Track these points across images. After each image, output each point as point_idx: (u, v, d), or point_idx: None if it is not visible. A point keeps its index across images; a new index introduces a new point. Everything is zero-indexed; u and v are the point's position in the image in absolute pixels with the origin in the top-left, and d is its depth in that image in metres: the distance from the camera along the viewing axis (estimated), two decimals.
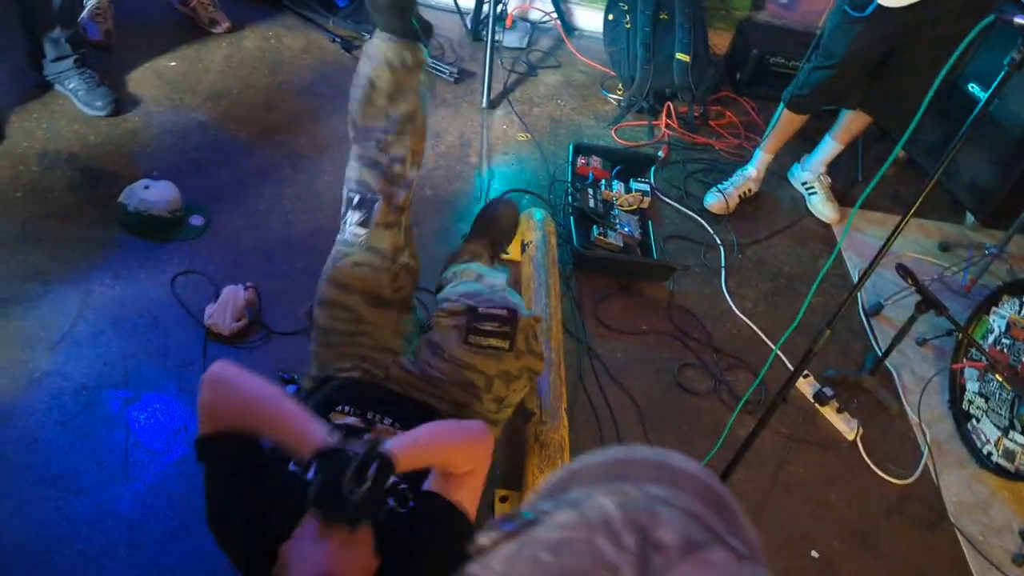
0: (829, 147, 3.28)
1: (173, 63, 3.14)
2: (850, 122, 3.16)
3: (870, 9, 2.64)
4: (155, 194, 2.42)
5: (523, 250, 2.58)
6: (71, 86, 2.77)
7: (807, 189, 3.40)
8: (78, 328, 2.15)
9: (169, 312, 2.26)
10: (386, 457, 1.32)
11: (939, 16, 2.60)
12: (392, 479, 1.35)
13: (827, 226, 3.33)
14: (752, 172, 3.25)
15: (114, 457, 1.93)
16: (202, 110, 2.95)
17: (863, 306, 3.00)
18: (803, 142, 3.39)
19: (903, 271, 2.50)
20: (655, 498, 0.54)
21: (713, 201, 3.19)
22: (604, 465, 0.62)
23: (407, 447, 1.41)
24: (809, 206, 3.38)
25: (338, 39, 3.50)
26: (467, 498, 1.57)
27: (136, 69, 3.05)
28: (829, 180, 3.38)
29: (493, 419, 1.85)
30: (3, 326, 2.12)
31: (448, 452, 1.56)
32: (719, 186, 3.23)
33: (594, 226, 2.84)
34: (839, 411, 2.55)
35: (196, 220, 2.52)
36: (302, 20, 3.57)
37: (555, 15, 4.02)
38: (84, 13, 3.02)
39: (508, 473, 2.11)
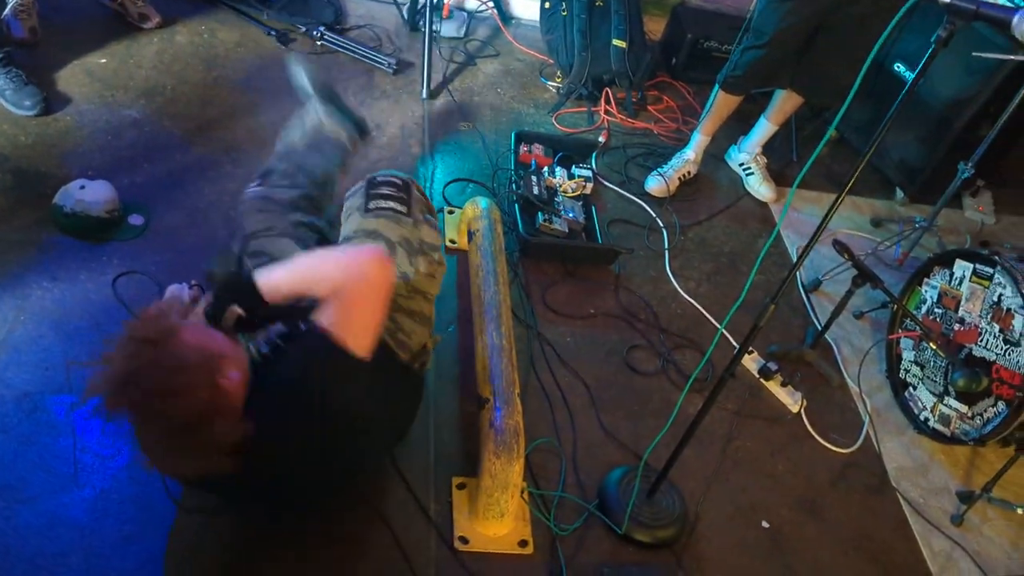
0: (764, 128, 3.36)
1: (103, 60, 3.06)
2: (783, 103, 3.24)
3: None
4: (91, 194, 2.36)
5: (470, 238, 2.59)
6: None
7: (744, 170, 3.48)
8: (16, 333, 2.09)
9: (111, 314, 2.21)
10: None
11: None
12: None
13: (764, 205, 3.42)
14: (691, 155, 3.32)
15: (62, 464, 1.88)
16: (136, 107, 2.89)
17: (802, 282, 3.09)
18: (739, 124, 3.47)
19: (840, 247, 2.58)
20: None
21: (654, 185, 3.24)
22: None
23: (274, 269, 1.62)
24: (747, 186, 3.46)
25: (273, 32, 3.44)
26: (354, 326, 1.54)
27: (65, 67, 2.96)
28: (765, 160, 3.46)
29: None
30: None
31: (323, 272, 1.59)
32: (659, 169, 3.28)
33: (539, 213, 2.86)
34: (783, 385, 2.63)
35: (135, 219, 2.46)
36: (236, 14, 3.50)
37: (491, 4, 4.02)
38: (7, 11, 2.91)
39: (464, 460, 2.13)
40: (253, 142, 2.89)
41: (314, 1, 3.65)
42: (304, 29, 3.49)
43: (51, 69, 2.93)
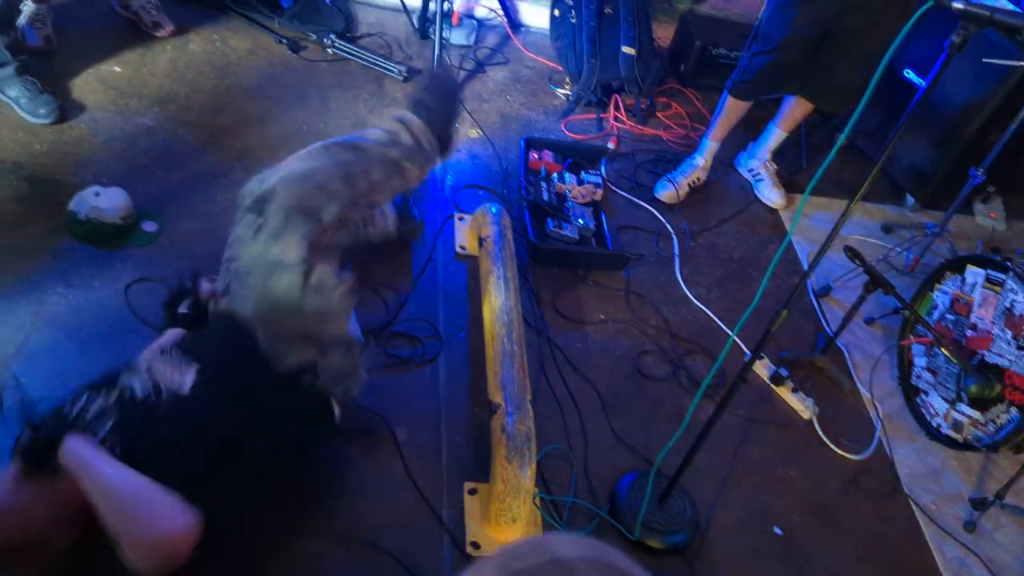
0: (773, 135, 3.37)
1: (117, 68, 3.08)
2: (792, 109, 3.25)
3: None
4: (106, 201, 2.38)
5: (480, 245, 2.60)
6: (12, 94, 2.70)
7: (754, 176, 3.48)
8: (32, 340, 2.11)
9: (125, 321, 2.22)
10: None
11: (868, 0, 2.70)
12: None
13: (774, 211, 3.42)
14: (700, 161, 3.32)
15: None
16: (149, 115, 2.91)
17: (812, 288, 3.09)
18: (748, 131, 3.48)
19: (851, 253, 2.58)
20: None
21: (664, 191, 3.25)
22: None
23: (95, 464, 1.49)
24: (756, 192, 3.46)
25: (284, 40, 3.47)
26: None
27: (79, 75, 2.99)
28: (775, 167, 3.47)
29: None
30: None
31: (123, 513, 1.45)
32: (669, 176, 3.29)
33: (549, 219, 2.87)
34: (794, 391, 2.63)
35: (149, 226, 2.48)
36: (247, 22, 3.53)
37: (501, 12, 4.04)
38: (22, 19, 2.95)
39: (476, 465, 2.13)
40: (265, 149, 2.91)
41: (325, 9, 3.67)
42: (315, 37, 3.51)
43: (66, 77, 2.95)
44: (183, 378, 1.69)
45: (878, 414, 2.67)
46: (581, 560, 0.58)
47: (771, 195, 3.42)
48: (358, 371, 1.99)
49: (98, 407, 1.61)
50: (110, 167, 2.65)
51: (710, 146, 3.32)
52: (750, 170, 3.50)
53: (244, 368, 1.78)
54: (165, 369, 1.70)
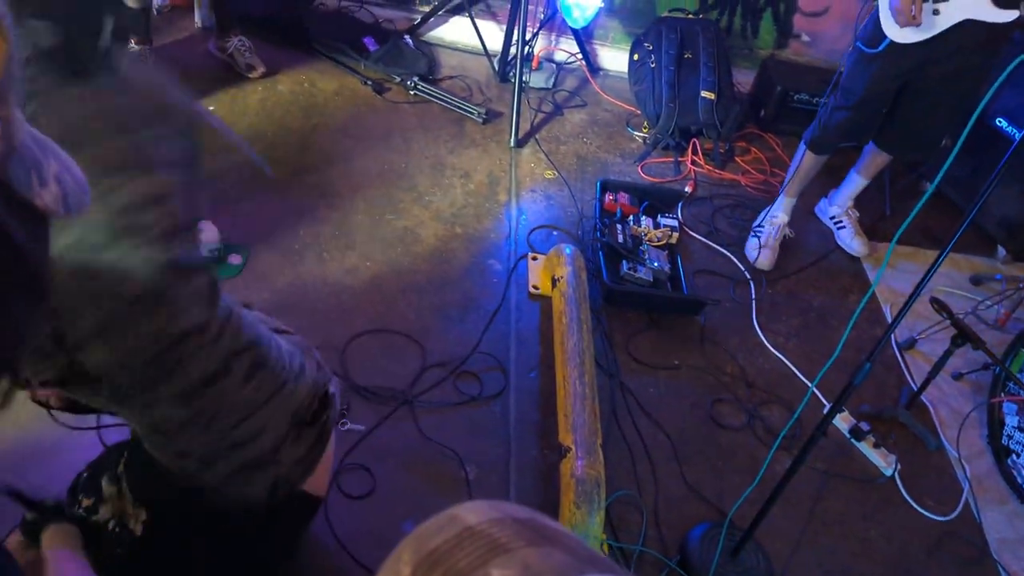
0: (855, 182, 3.29)
1: (211, 107, 3.23)
2: (873, 157, 3.17)
3: (883, 45, 2.69)
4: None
5: (553, 285, 2.60)
6: None
7: (835, 223, 3.40)
8: None
9: None
10: None
11: (952, 50, 2.64)
12: None
13: (855, 259, 3.33)
14: (783, 217, 3.22)
15: None
16: (238, 152, 3.03)
17: (895, 340, 2.99)
18: (830, 178, 3.41)
19: (938, 305, 2.49)
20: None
21: (763, 258, 3.14)
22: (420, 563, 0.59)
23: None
24: (838, 240, 3.38)
25: (369, 82, 3.58)
26: None
27: None
28: (857, 214, 3.38)
29: None
30: None
31: None
32: (758, 239, 3.19)
33: (623, 261, 2.86)
34: (875, 446, 2.53)
35: (234, 259, 2.57)
36: (334, 64, 3.66)
37: (580, 56, 4.08)
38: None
39: (544, 509, 2.11)
40: (347, 186, 2.99)
41: (409, 53, 3.78)
42: (399, 79, 3.62)
43: None
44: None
45: (966, 474, 2.55)
46: (490, 523, 0.57)
47: (853, 243, 3.33)
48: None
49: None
50: None
51: (787, 202, 3.24)
52: (831, 217, 3.42)
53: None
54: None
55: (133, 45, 3.19)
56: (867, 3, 2.81)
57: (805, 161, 3.12)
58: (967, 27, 2.56)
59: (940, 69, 2.71)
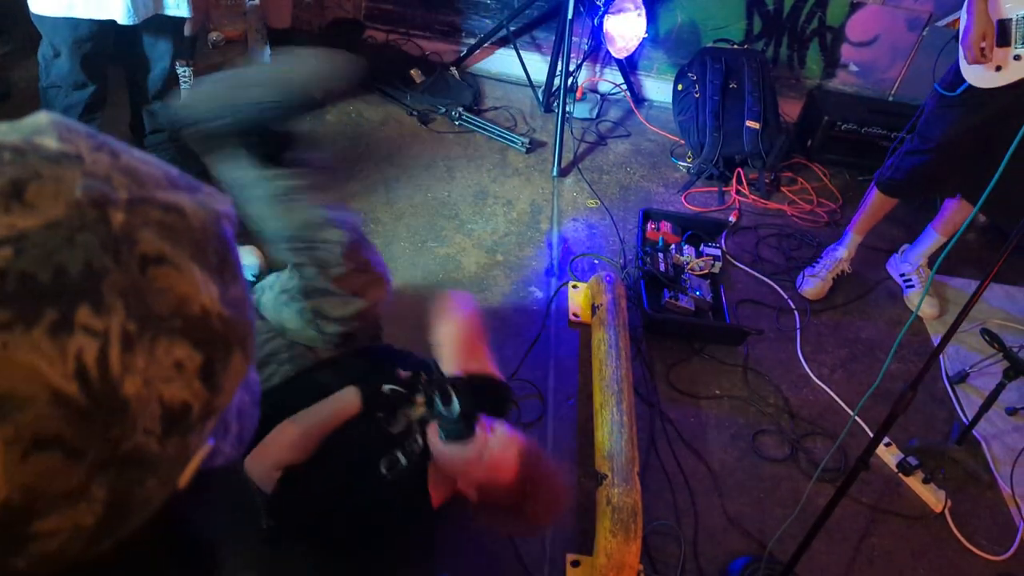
0: (931, 239, 3.13)
1: None
2: (954, 213, 3.02)
3: (961, 89, 2.60)
4: (241, 259, 2.53)
5: (593, 313, 2.60)
6: (165, 159, 2.94)
7: (904, 281, 3.24)
8: None
9: None
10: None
11: None
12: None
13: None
14: (843, 253, 3.15)
15: None
16: None
17: (946, 373, 2.90)
18: (905, 230, 3.32)
19: (989, 336, 2.42)
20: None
21: (810, 287, 3.09)
22: None
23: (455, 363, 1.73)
24: (905, 299, 3.22)
25: (415, 112, 3.64)
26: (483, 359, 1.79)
27: None
28: (928, 272, 3.18)
29: None
30: None
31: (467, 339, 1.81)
32: (811, 270, 3.14)
33: (665, 290, 2.84)
34: (925, 482, 2.45)
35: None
36: (381, 95, 3.73)
37: (624, 87, 4.11)
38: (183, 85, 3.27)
39: (579, 536, 2.09)
40: (390, 214, 3.04)
41: (454, 84, 3.84)
42: (444, 110, 3.67)
43: None
44: None
45: (1020, 513, 2.46)
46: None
47: (920, 304, 3.14)
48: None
49: None
50: (244, 227, 2.82)
51: (853, 239, 3.16)
52: (901, 275, 3.26)
53: None
54: None
55: (180, 66, 3.32)
56: (944, 46, 2.72)
57: (874, 199, 3.03)
58: None
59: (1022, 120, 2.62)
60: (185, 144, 2.93)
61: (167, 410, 0.47)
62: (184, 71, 3.27)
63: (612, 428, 2.15)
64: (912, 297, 3.21)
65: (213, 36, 3.69)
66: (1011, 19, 2.48)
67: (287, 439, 1.63)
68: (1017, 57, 2.48)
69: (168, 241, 0.48)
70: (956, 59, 2.63)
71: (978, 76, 2.56)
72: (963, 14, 2.57)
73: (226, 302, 0.51)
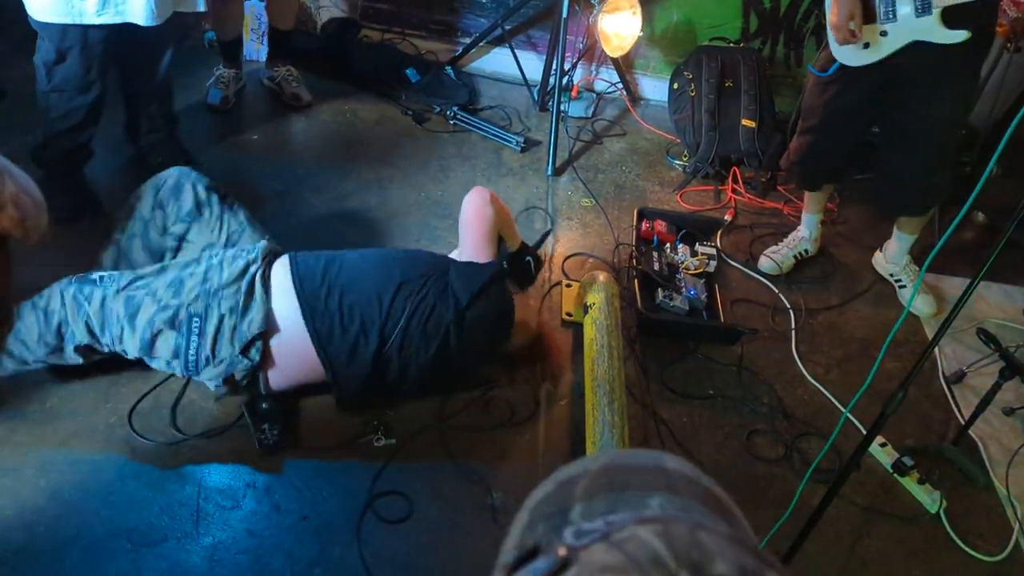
0: (899, 238, 3.13)
1: (255, 136, 3.31)
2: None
3: (833, 68, 2.65)
4: None
5: (586, 312, 2.58)
6: (160, 159, 2.93)
7: (896, 281, 3.21)
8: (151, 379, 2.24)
9: None
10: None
11: (905, 76, 2.56)
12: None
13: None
14: (804, 232, 3.20)
15: (186, 511, 1.97)
16: (280, 180, 3.09)
17: (943, 373, 2.89)
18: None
19: (985, 336, 2.41)
20: (692, 524, 0.52)
21: (763, 262, 3.16)
22: (598, 474, 0.59)
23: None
24: (900, 300, 3.19)
25: (410, 112, 3.63)
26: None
27: (224, 141, 3.23)
28: (917, 269, 3.15)
29: None
30: (90, 384, 2.21)
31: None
32: (773, 248, 3.22)
33: (659, 289, 2.83)
34: (920, 482, 2.43)
35: None
36: (376, 95, 3.72)
37: (620, 85, 4.09)
38: (212, 79, 3.36)
39: None
40: (385, 214, 3.03)
41: (450, 83, 3.83)
42: (439, 109, 3.66)
43: (211, 143, 3.19)
44: None
45: (1016, 513, 2.44)
46: (681, 475, 0.59)
47: (919, 303, 3.10)
48: None
49: None
50: None
51: (805, 218, 3.22)
52: (891, 275, 3.24)
53: None
54: None
55: (222, 68, 3.34)
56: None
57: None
58: (919, 50, 2.47)
59: (898, 96, 2.63)
60: (180, 145, 2.96)
61: None
62: (224, 72, 3.33)
63: (604, 428, 2.13)
64: (904, 294, 3.20)
65: (209, 36, 3.69)
66: None
67: None
68: (883, 33, 2.50)
69: None
70: (827, 41, 2.65)
71: (848, 55, 2.59)
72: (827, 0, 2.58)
73: None
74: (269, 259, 2.21)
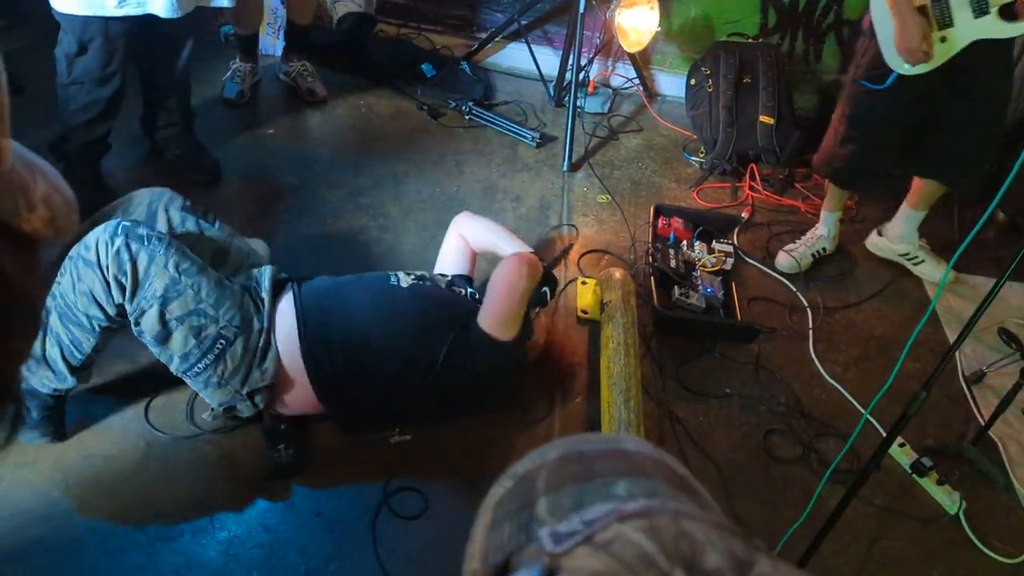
0: (910, 216, 3.12)
1: (271, 131, 3.31)
2: (920, 185, 3.03)
3: (891, 80, 2.61)
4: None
5: (602, 310, 2.57)
6: (177, 152, 2.94)
7: (909, 259, 3.22)
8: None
9: None
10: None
11: (960, 66, 2.55)
12: None
13: (920, 289, 3.18)
14: (822, 230, 3.17)
15: (201, 506, 1.98)
16: (296, 175, 3.09)
17: (963, 373, 2.85)
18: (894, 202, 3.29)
19: (1006, 335, 2.38)
20: (674, 513, 0.50)
21: (781, 259, 3.13)
22: (558, 464, 0.56)
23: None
24: (920, 276, 3.20)
25: (425, 107, 3.62)
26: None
27: (239, 135, 3.23)
28: (924, 242, 3.21)
29: None
30: (107, 378, 2.22)
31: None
32: (790, 245, 3.18)
33: (675, 287, 2.81)
34: (939, 483, 2.41)
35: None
36: (392, 90, 3.71)
37: (637, 81, 4.07)
38: (228, 73, 3.37)
39: None
40: (399, 209, 3.02)
41: (465, 78, 3.82)
42: (454, 105, 3.65)
43: (228, 137, 3.19)
44: None
45: None
46: (644, 456, 0.56)
47: (937, 273, 3.13)
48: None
49: None
50: (255, 221, 2.82)
51: (825, 216, 3.18)
52: (903, 255, 3.23)
53: None
54: None
55: (239, 62, 3.35)
56: (863, 39, 2.71)
57: (830, 189, 3.12)
58: (976, 47, 2.47)
59: (954, 85, 2.62)
60: (196, 139, 2.96)
61: None
62: (240, 66, 3.33)
63: (619, 426, 2.12)
64: (925, 271, 3.19)
65: (225, 30, 3.69)
66: (926, 5, 2.49)
67: None
68: (943, 40, 2.49)
69: None
70: (876, 53, 2.61)
71: (909, 66, 2.56)
72: (877, 15, 2.55)
73: None
74: (273, 293, 2.14)
